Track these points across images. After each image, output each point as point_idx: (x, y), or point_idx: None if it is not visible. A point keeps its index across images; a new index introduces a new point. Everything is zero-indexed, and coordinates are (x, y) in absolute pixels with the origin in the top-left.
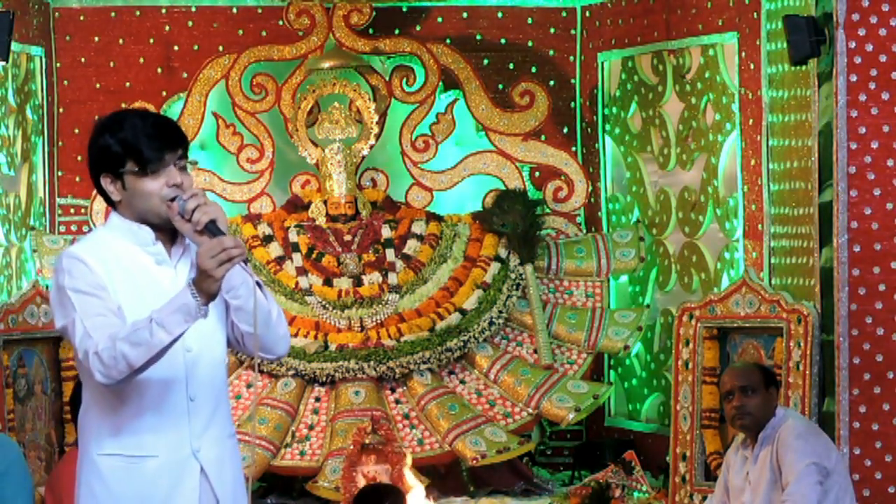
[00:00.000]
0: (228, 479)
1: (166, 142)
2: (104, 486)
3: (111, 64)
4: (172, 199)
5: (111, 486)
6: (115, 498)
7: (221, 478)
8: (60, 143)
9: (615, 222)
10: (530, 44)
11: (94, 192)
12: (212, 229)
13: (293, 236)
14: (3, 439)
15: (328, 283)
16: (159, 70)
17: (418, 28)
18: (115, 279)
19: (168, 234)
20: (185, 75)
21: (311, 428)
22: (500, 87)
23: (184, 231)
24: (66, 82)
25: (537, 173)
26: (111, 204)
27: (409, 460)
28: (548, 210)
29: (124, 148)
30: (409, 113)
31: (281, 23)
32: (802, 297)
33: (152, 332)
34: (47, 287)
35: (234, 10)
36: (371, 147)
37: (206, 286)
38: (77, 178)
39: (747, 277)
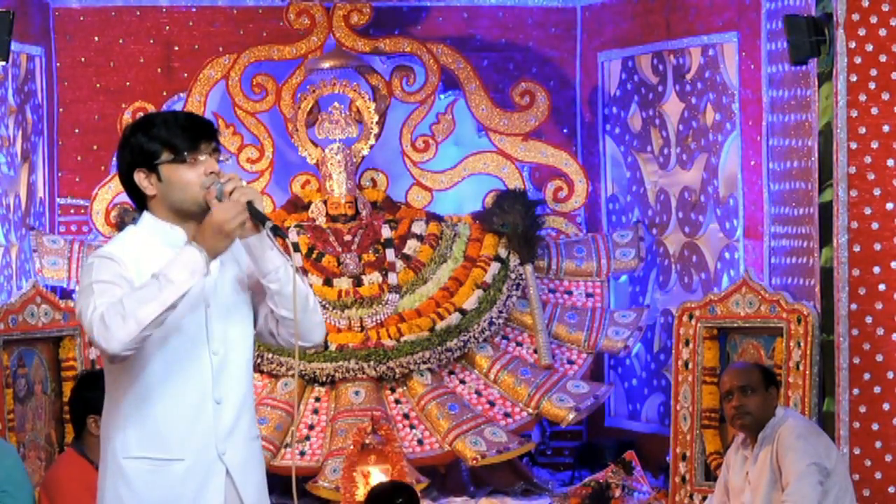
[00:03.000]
0: (253, 481)
1: (201, 132)
2: (130, 489)
3: (111, 64)
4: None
5: (137, 489)
6: (141, 501)
7: (246, 480)
8: (60, 143)
9: (615, 222)
10: (530, 44)
11: (95, 192)
12: (251, 210)
13: (293, 236)
14: (0, 444)
15: (328, 283)
16: (159, 70)
17: (418, 28)
18: (146, 277)
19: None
20: (185, 75)
21: (311, 428)
22: (500, 87)
23: None
24: (65, 82)
25: (537, 173)
26: (140, 203)
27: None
28: (548, 210)
29: (160, 141)
30: (409, 113)
31: (281, 23)
32: (802, 297)
33: (161, 287)
34: (47, 287)
35: (234, 11)
36: (371, 147)
37: (219, 246)
38: (77, 178)
39: (747, 277)
